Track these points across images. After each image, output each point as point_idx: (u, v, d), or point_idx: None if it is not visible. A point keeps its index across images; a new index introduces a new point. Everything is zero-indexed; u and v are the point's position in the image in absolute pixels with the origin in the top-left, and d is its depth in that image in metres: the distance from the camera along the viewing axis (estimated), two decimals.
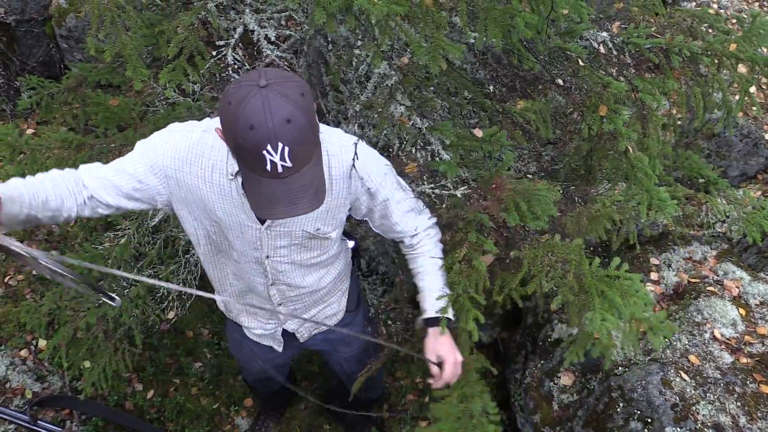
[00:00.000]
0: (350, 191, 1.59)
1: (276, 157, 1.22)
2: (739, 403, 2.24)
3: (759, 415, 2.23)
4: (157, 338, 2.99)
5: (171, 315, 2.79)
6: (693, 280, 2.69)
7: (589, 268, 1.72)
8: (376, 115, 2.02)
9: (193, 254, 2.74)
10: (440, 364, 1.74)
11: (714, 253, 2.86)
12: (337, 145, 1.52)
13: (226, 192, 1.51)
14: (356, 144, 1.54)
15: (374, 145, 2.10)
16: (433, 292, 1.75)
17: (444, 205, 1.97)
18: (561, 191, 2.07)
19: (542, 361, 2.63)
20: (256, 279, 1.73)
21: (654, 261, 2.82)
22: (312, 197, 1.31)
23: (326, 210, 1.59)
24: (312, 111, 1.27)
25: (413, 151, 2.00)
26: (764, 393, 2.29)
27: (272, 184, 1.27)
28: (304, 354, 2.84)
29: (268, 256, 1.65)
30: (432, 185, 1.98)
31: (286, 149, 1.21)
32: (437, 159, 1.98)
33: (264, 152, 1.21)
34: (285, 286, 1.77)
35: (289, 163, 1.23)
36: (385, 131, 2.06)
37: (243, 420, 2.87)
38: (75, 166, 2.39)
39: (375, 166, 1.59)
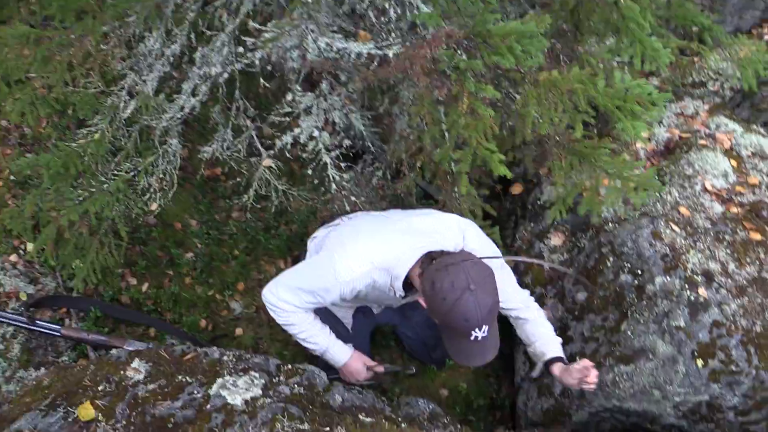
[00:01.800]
0: None
1: (479, 334, 1.78)
2: (728, 251, 2.24)
3: (748, 260, 2.24)
4: (145, 233, 2.95)
5: (154, 207, 2.74)
6: (684, 135, 2.63)
7: (603, 87, 1.77)
8: None
9: (171, 144, 2.65)
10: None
11: (706, 107, 2.78)
12: (453, 229, 2.01)
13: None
14: (465, 230, 2.02)
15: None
16: (549, 338, 2.16)
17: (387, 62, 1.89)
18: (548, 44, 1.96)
19: (532, 224, 2.62)
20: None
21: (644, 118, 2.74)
22: (493, 350, 1.88)
23: None
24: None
25: (386, 6, 1.86)
26: (754, 240, 2.29)
27: (471, 346, 1.82)
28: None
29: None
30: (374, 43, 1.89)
31: (486, 327, 1.78)
32: (414, 12, 1.85)
33: (472, 331, 1.77)
34: None
35: (486, 334, 1.79)
36: None
37: (237, 303, 2.90)
38: (36, 62, 2.34)
39: (483, 250, 1.99)
